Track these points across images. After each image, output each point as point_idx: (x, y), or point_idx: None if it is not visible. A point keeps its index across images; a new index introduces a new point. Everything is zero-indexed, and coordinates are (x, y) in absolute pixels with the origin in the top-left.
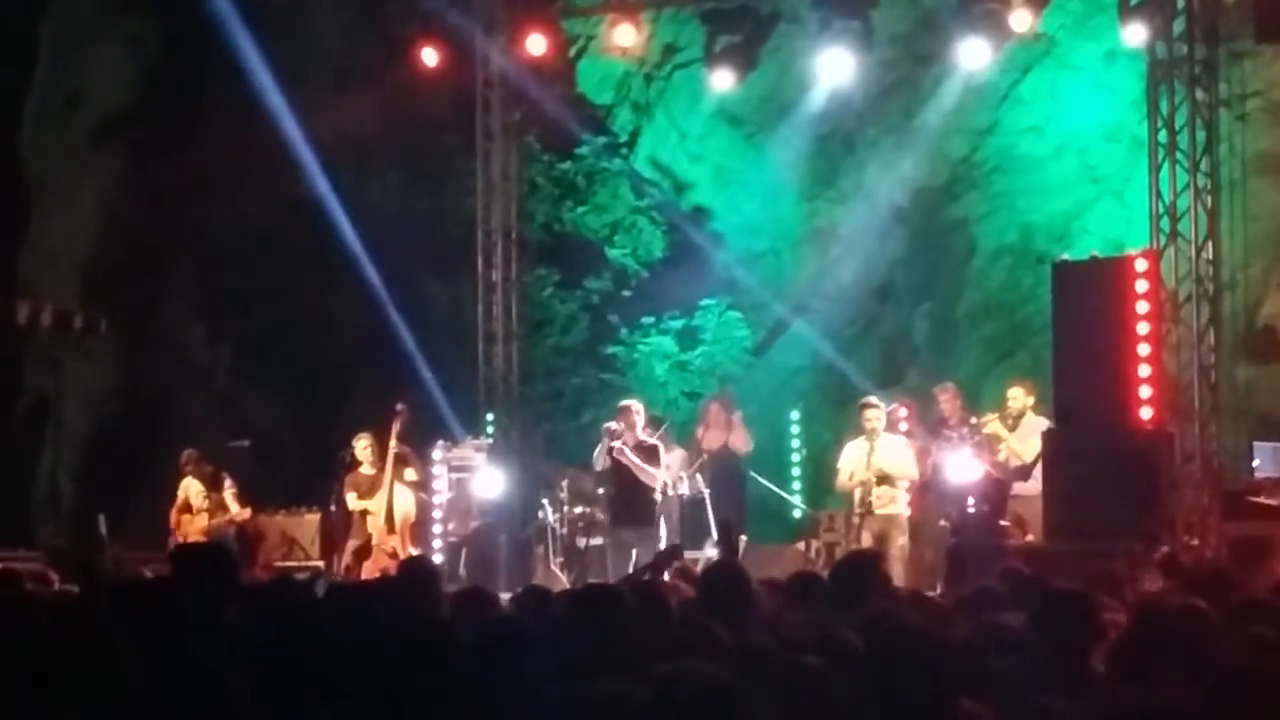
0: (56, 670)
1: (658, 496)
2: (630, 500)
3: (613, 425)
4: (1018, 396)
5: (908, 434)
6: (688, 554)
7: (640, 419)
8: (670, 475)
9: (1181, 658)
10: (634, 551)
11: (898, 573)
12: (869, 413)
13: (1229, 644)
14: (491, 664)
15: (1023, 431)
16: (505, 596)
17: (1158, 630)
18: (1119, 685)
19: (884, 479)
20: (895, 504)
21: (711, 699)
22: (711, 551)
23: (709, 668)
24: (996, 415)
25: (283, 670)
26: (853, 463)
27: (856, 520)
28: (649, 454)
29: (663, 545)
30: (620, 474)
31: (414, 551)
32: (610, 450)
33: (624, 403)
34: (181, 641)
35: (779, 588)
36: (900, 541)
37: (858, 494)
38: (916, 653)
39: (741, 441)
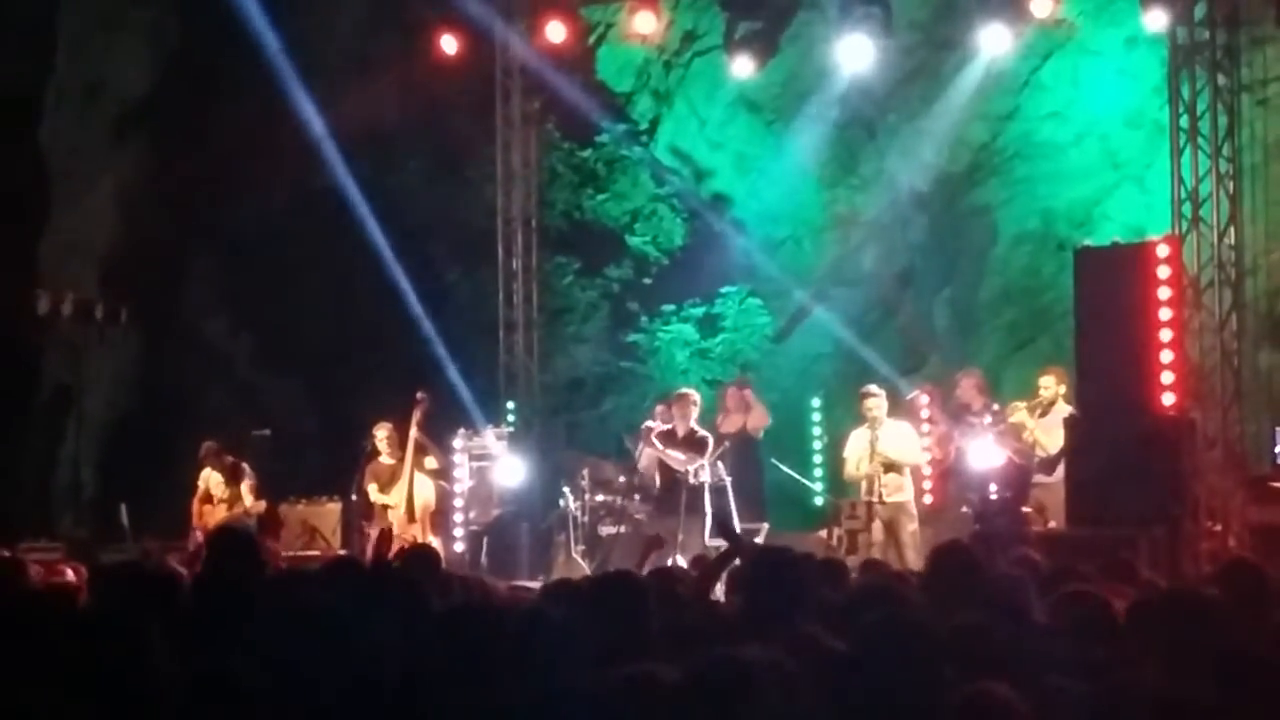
0: (58, 665)
1: (694, 482)
2: (667, 489)
3: (649, 423)
4: (1049, 385)
5: (930, 420)
6: (710, 542)
7: (696, 409)
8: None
9: (1192, 645)
10: (680, 538)
11: (910, 559)
12: (869, 401)
13: (1248, 633)
14: (511, 652)
15: (1051, 421)
16: (528, 584)
17: (1164, 617)
18: (1130, 671)
19: (890, 467)
20: (902, 491)
21: (747, 682)
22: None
23: (747, 652)
24: (1025, 405)
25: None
26: (857, 452)
27: (864, 510)
28: (698, 445)
29: (706, 533)
30: (661, 464)
31: (434, 540)
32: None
33: (682, 390)
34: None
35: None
36: (910, 528)
37: (865, 484)
38: (922, 641)
39: (759, 419)
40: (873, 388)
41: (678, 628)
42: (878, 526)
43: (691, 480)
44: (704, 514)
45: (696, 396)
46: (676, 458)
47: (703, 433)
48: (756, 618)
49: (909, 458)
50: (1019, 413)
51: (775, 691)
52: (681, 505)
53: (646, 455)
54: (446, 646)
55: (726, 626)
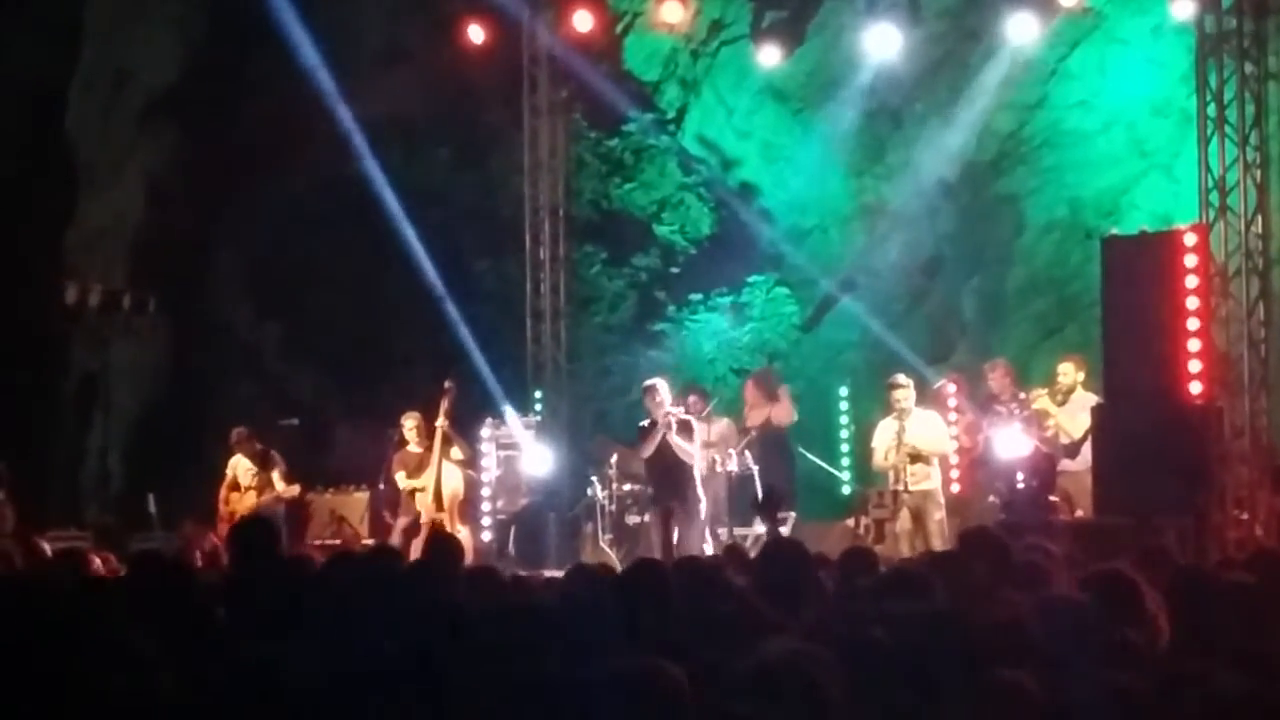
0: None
1: (696, 473)
2: (667, 475)
3: (669, 409)
4: (1068, 372)
5: (957, 409)
6: (737, 531)
7: (667, 395)
8: (719, 452)
9: (1230, 634)
10: (675, 528)
11: (937, 548)
12: (897, 392)
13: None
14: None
15: (1072, 407)
16: (555, 574)
17: (1202, 606)
18: (1173, 661)
19: (916, 457)
20: (930, 480)
21: (810, 680)
22: (761, 528)
23: (808, 648)
24: (1046, 391)
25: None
26: (885, 442)
27: (891, 498)
28: (681, 429)
29: (703, 517)
30: (660, 451)
31: (461, 529)
32: (661, 436)
33: (648, 383)
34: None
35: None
36: (937, 516)
37: (891, 474)
38: (951, 628)
39: (785, 414)
40: (901, 378)
41: (702, 616)
42: (905, 515)
43: (717, 469)
44: (699, 500)
45: (662, 384)
46: (685, 448)
47: (682, 416)
48: (775, 607)
49: (936, 447)
50: (1041, 399)
51: (808, 682)
52: (688, 489)
53: (661, 441)
54: (470, 635)
55: (752, 615)
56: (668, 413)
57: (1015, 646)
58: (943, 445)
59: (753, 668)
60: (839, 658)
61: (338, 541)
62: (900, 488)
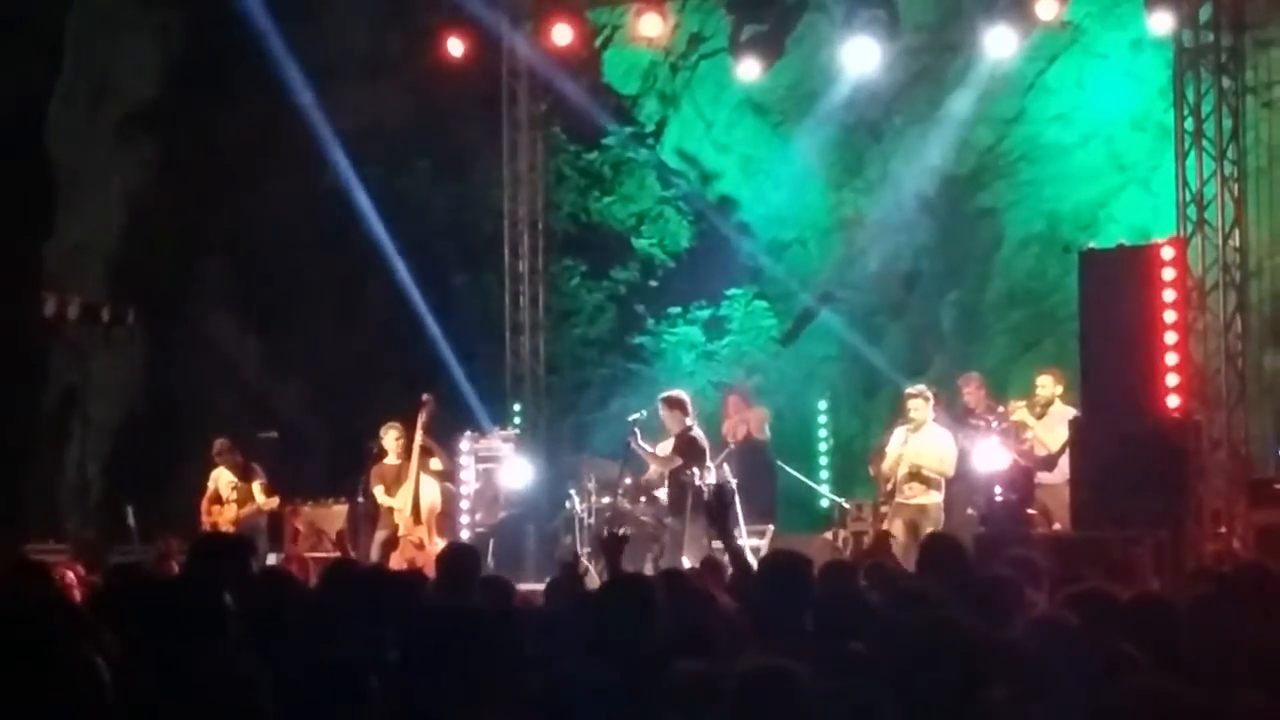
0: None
1: (697, 484)
2: (670, 490)
3: (633, 416)
4: (1046, 385)
5: (934, 421)
6: (714, 544)
7: (680, 412)
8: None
9: (1210, 645)
10: (683, 539)
11: None
12: (910, 403)
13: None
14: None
15: (1050, 420)
16: (535, 587)
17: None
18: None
19: (915, 474)
20: (929, 495)
21: (787, 693)
22: (741, 541)
23: (786, 662)
24: (1024, 403)
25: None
26: (894, 451)
27: (884, 510)
28: (684, 446)
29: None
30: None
31: (439, 542)
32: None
33: (673, 394)
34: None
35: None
36: (929, 531)
37: (890, 483)
38: (948, 642)
39: (757, 427)
40: (918, 388)
41: (687, 629)
42: (898, 526)
43: (696, 482)
44: (692, 513)
45: (678, 397)
46: (657, 455)
47: (694, 434)
48: (764, 621)
49: (940, 466)
50: (1019, 411)
51: (780, 698)
52: (686, 506)
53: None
54: (443, 645)
55: (735, 629)
56: (631, 420)
57: (1000, 664)
58: (944, 466)
59: (727, 681)
60: (823, 670)
61: (317, 554)
62: (890, 488)
